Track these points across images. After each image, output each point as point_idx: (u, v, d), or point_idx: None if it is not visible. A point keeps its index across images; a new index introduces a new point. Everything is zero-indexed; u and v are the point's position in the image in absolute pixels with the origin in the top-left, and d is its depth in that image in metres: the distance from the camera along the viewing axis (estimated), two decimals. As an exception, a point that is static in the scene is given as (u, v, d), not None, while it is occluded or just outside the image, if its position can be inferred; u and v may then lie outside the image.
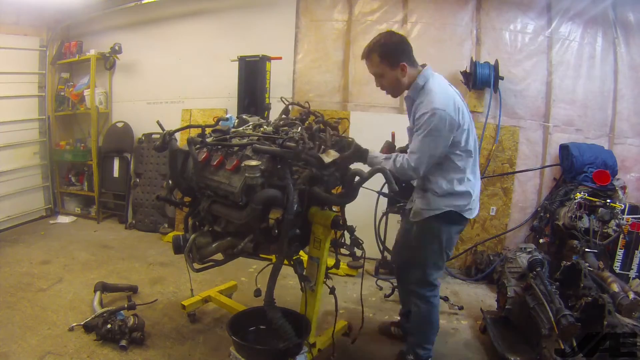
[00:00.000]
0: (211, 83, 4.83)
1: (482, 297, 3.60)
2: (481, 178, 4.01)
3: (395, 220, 3.94)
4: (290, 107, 2.96)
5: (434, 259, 2.30)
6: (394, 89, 2.22)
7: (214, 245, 2.22)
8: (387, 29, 4.26)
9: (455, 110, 2.05)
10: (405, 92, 2.24)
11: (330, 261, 2.35)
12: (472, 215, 2.28)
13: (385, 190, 3.44)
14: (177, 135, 2.51)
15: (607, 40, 3.95)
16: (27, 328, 2.73)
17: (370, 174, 2.02)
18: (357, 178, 2.06)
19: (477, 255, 4.03)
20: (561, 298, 2.36)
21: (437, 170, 2.17)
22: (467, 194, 2.19)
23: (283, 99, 2.95)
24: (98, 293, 3.04)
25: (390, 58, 2.11)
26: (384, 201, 3.55)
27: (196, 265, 2.23)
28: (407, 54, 2.13)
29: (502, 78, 3.89)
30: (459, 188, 2.17)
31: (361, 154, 2.24)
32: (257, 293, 2.22)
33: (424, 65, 2.21)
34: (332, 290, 2.23)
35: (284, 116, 2.78)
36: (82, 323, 2.69)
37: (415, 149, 2.07)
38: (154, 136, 5.04)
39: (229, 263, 2.38)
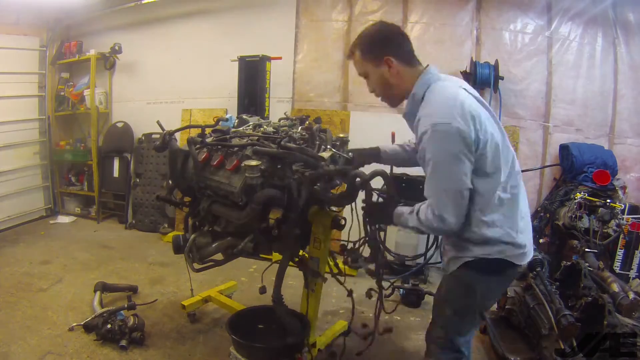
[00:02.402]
0: (211, 83, 4.83)
1: (482, 297, 3.60)
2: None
3: (395, 220, 3.94)
4: (290, 109, 2.94)
5: (461, 317, 1.67)
6: (385, 93, 1.73)
7: (214, 245, 2.22)
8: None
9: (466, 119, 1.46)
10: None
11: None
12: (525, 259, 1.62)
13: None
14: (177, 135, 2.51)
15: (607, 40, 3.95)
16: (27, 328, 2.73)
17: (371, 176, 2.02)
18: (357, 179, 2.06)
19: (477, 255, 4.03)
20: (561, 298, 2.36)
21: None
22: (506, 237, 1.55)
23: (285, 115, 2.93)
24: (98, 293, 3.04)
25: (371, 52, 1.64)
26: (384, 201, 3.55)
27: (196, 265, 2.23)
28: (393, 45, 1.63)
29: (502, 78, 3.89)
30: (489, 233, 1.54)
31: (386, 213, 1.74)
32: (262, 290, 2.21)
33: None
34: (350, 293, 2.18)
35: (283, 116, 2.78)
36: (82, 323, 2.69)
37: (428, 190, 1.53)
38: (154, 136, 5.04)
39: (229, 263, 2.38)
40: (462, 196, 1.48)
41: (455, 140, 1.44)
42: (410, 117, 1.68)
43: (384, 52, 1.62)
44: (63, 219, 5.27)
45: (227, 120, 2.61)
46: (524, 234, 1.62)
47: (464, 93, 1.58)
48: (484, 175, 1.52)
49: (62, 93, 5.37)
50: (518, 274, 1.90)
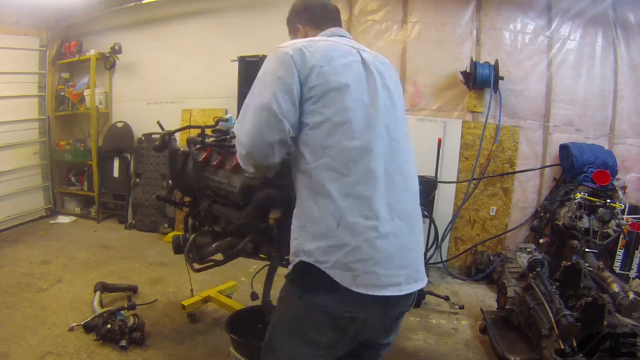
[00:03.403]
0: (211, 83, 4.83)
1: (482, 297, 3.60)
2: (481, 178, 4.08)
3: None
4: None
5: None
6: None
7: (213, 245, 2.22)
8: (387, 29, 4.28)
9: (302, 52, 1.33)
10: None
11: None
12: (356, 286, 1.18)
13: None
14: (177, 135, 2.51)
15: (607, 40, 3.95)
16: (27, 328, 2.73)
17: None
18: None
19: (477, 255, 4.03)
20: (561, 298, 2.36)
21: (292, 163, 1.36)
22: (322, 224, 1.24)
23: None
24: (98, 293, 3.04)
25: (290, 24, 1.69)
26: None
27: (196, 265, 2.22)
28: (304, 12, 1.61)
29: (502, 78, 3.89)
30: (314, 213, 1.25)
31: None
32: (254, 297, 2.22)
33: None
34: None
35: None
36: (82, 323, 2.69)
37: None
38: (154, 136, 5.04)
39: (229, 263, 2.37)
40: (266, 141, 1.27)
41: (278, 63, 1.36)
42: None
43: (295, 21, 1.64)
44: (63, 219, 5.27)
45: (227, 120, 2.60)
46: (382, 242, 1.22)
47: (335, 39, 1.44)
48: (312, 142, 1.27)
49: (62, 93, 5.37)
50: (364, 312, 1.23)
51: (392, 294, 1.22)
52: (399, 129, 1.36)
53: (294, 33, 1.68)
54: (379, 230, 1.21)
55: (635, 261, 3.25)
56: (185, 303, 2.90)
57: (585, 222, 3.26)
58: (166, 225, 4.92)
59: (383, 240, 1.22)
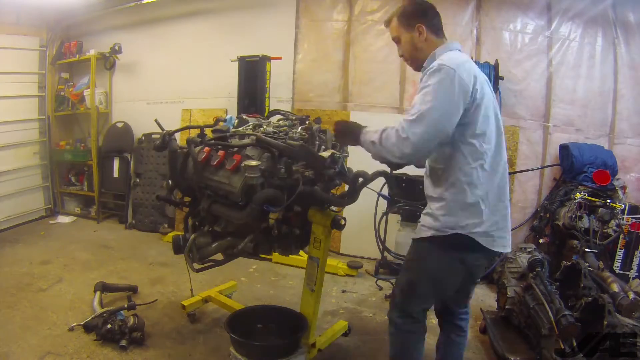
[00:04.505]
0: (211, 83, 4.83)
1: (482, 297, 3.60)
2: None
3: (395, 220, 3.95)
4: (291, 108, 2.94)
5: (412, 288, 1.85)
6: (411, 56, 1.86)
7: (213, 245, 2.22)
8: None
9: (469, 74, 1.63)
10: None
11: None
12: (492, 245, 1.72)
13: (385, 191, 3.45)
14: (177, 135, 2.51)
15: (607, 40, 3.95)
16: (27, 328, 2.73)
17: (373, 177, 2.03)
18: (360, 179, 2.06)
19: (477, 255, 4.03)
20: (561, 298, 2.36)
21: (451, 162, 1.69)
22: (476, 207, 1.68)
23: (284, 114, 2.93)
24: (98, 293, 3.04)
25: (407, 19, 1.84)
26: (383, 201, 3.55)
27: (196, 266, 2.23)
28: (427, 17, 1.83)
29: (502, 78, 3.88)
30: (470, 198, 1.68)
31: (353, 132, 1.84)
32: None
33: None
34: None
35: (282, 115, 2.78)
36: (82, 323, 2.69)
37: (415, 106, 1.61)
38: (154, 136, 5.04)
39: (229, 263, 2.38)
40: (438, 129, 1.58)
41: (454, 84, 1.59)
42: (424, 71, 1.78)
43: (416, 21, 1.83)
44: (63, 219, 5.27)
45: (226, 120, 2.60)
46: (496, 217, 1.75)
47: (473, 63, 1.78)
48: (475, 142, 1.67)
49: (62, 93, 5.38)
50: (485, 259, 1.90)
51: (502, 251, 1.78)
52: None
53: (408, 30, 1.84)
54: (507, 209, 1.78)
55: (635, 261, 3.25)
56: (185, 303, 2.90)
57: (585, 222, 3.26)
58: (166, 225, 4.92)
59: (506, 216, 1.79)
